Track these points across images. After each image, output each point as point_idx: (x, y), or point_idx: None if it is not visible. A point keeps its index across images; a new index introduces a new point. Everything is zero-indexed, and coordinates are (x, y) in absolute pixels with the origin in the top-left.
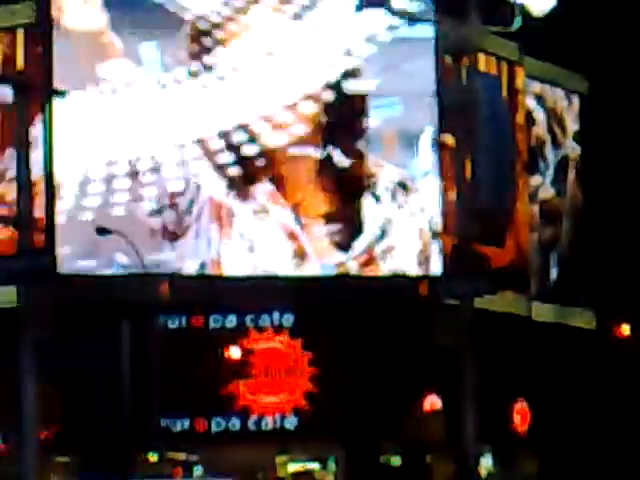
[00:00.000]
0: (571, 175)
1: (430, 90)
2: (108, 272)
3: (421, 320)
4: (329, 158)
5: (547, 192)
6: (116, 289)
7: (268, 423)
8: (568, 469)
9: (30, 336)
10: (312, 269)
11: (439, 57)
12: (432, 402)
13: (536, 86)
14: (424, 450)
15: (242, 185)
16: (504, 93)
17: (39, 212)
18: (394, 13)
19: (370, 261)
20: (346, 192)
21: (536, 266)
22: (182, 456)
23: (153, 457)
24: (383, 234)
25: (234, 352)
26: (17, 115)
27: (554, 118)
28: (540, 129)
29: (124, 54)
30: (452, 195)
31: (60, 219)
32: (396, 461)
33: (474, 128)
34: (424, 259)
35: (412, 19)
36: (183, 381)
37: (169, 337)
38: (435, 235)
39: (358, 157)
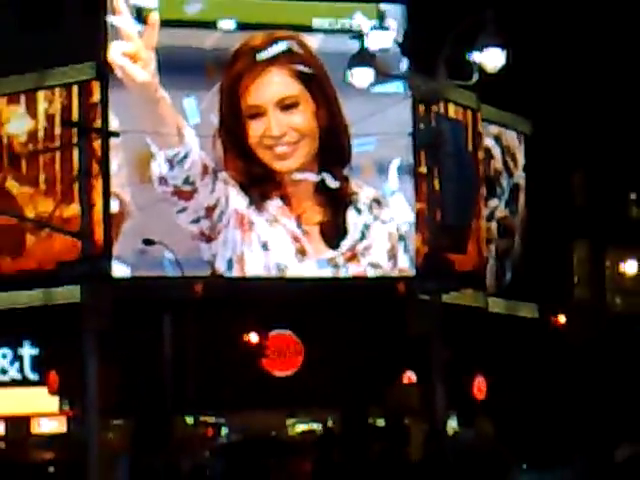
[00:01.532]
0: (521, 199)
1: (400, 131)
2: (157, 273)
3: (400, 312)
4: (323, 181)
5: (503, 212)
6: (160, 289)
7: (280, 393)
8: (517, 428)
9: (91, 326)
10: (311, 263)
11: (415, 106)
12: (409, 377)
13: (494, 128)
14: (403, 414)
15: (259, 201)
16: (467, 134)
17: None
18: (377, 71)
19: (353, 256)
20: (335, 206)
21: (494, 270)
22: (212, 419)
23: (190, 420)
24: (363, 236)
25: (253, 337)
26: (79, 152)
27: (508, 154)
28: (497, 162)
29: (172, 105)
30: (425, 213)
31: (121, 230)
32: (381, 422)
33: (442, 161)
34: (392, 255)
35: (392, 76)
36: (214, 361)
37: (202, 326)
38: (401, 238)
39: (344, 180)
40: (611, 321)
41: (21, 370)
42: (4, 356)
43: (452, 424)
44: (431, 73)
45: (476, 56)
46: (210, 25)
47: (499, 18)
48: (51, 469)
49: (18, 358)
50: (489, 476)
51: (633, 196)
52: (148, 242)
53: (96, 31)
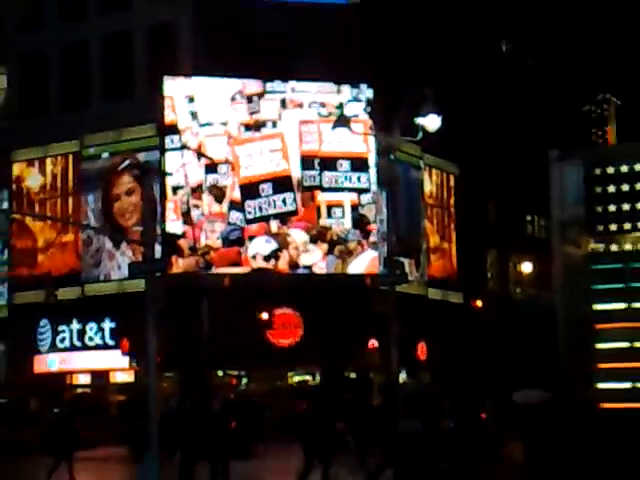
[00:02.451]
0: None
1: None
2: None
3: (367, 297)
4: None
5: None
6: (201, 281)
7: (283, 353)
8: (447, 378)
9: (152, 307)
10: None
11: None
12: (373, 343)
13: (432, 170)
14: (369, 370)
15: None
16: (415, 174)
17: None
18: (352, 131)
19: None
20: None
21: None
22: (236, 372)
23: (220, 373)
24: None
25: (264, 315)
26: (144, 186)
27: (442, 189)
28: (435, 195)
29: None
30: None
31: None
32: (353, 375)
33: (396, 193)
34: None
35: (361, 134)
36: (237, 331)
37: (229, 307)
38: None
39: None
40: (512, 304)
41: (103, 338)
42: (91, 329)
43: (402, 376)
44: (389, 132)
45: (420, 120)
46: None
47: (436, 92)
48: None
49: (101, 330)
50: (429, 410)
51: (529, 218)
52: (193, 249)
53: (156, 100)
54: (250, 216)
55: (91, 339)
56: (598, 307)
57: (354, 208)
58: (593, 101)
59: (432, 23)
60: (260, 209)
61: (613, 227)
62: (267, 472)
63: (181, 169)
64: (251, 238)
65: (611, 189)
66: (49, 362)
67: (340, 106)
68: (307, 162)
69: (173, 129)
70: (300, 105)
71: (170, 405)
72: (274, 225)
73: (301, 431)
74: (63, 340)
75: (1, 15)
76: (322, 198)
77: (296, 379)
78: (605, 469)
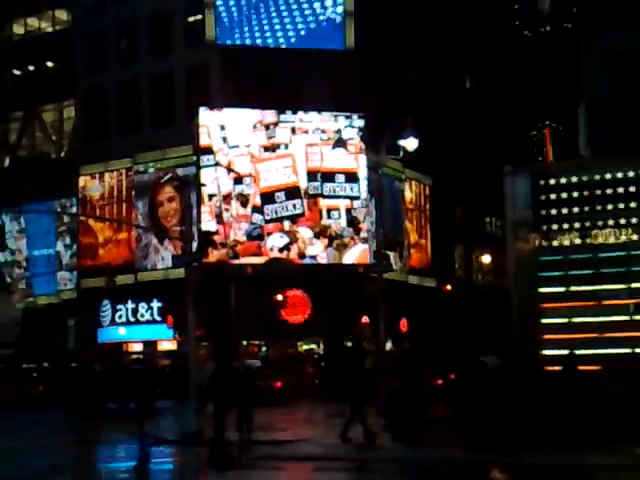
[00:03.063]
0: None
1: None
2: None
3: (360, 282)
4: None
5: None
6: (227, 270)
7: (294, 327)
8: (423, 347)
9: (190, 291)
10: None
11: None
12: (365, 319)
13: (412, 182)
14: (362, 340)
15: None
16: (398, 184)
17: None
18: (347, 151)
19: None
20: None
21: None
22: (257, 342)
23: (244, 343)
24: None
25: (279, 296)
26: (183, 195)
27: (419, 197)
28: (414, 201)
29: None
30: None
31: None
32: (349, 344)
33: (383, 199)
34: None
35: (355, 153)
36: (258, 309)
37: (251, 290)
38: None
39: None
40: (475, 288)
41: (152, 315)
42: (143, 307)
43: (388, 345)
44: (377, 151)
45: (402, 142)
46: None
47: (415, 120)
48: (167, 370)
49: (150, 308)
50: (409, 372)
51: (488, 219)
52: (224, 243)
53: (193, 127)
54: (268, 217)
55: (142, 316)
56: (543, 290)
57: (348, 211)
58: (536, 127)
59: (411, 65)
60: (276, 212)
61: (554, 227)
62: (283, 421)
63: (215, 181)
64: (269, 234)
65: (552, 197)
66: (109, 334)
67: (338, 132)
68: (312, 176)
69: (208, 150)
70: (306, 132)
71: (210, 370)
72: (286, 224)
73: (348, 389)
74: (120, 317)
75: (71, 60)
76: (323, 203)
77: (304, 347)
78: (547, 420)
